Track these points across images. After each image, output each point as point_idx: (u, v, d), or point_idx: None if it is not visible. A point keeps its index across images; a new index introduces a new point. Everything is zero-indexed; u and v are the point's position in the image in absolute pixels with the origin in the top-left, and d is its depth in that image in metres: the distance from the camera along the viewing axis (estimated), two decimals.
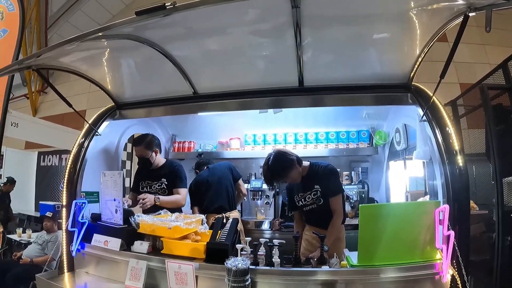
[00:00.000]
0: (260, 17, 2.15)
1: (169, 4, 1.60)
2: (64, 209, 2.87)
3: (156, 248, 2.52)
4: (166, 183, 3.36)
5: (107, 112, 3.27)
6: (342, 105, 3.01)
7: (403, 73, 2.56)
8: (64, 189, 2.93)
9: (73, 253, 2.71)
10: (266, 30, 2.30)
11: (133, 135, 3.87)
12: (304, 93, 2.79)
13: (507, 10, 1.58)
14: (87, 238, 2.72)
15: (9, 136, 4.72)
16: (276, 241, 2.26)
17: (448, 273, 1.92)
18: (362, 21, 2.13)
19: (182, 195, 3.39)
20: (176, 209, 3.17)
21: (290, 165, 2.84)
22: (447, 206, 1.93)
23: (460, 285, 1.92)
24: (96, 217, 2.86)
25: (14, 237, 5.95)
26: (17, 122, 4.81)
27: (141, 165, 3.48)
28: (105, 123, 3.21)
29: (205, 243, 2.31)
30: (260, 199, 4.78)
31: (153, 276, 2.32)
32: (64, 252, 2.79)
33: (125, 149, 4.50)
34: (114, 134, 3.56)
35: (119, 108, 3.29)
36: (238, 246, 2.23)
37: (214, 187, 3.92)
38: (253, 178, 4.88)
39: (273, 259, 2.21)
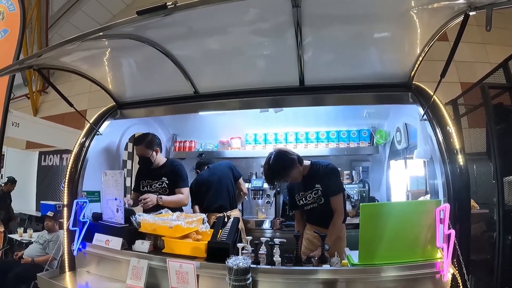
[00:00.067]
0: (260, 17, 2.15)
1: (170, 3, 1.60)
2: (65, 209, 2.87)
3: (157, 247, 2.53)
4: (167, 182, 3.36)
5: (108, 111, 3.27)
6: (342, 104, 3.01)
7: (403, 72, 2.56)
8: (65, 189, 2.93)
9: (74, 253, 2.72)
10: (266, 30, 2.30)
11: (134, 135, 3.87)
12: (304, 92, 2.79)
13: (508, 9, 1.57)
14: (88, 238, 2.72)
15: (10, 136, 4.72)
16: (277, 240, 2.27)
17: (448, 272, 1.92)
18: (362, 20, 2.13)
19: (185, 194, 3.40)
20: (177, 208, 3.18)
21: (291, 164, 2.85)
22: (447, 205, 1.93)
23: (460, 284, 1.92)
24: (97, 217, 2.87)
25: (15, 236, 5.95)
26: (18, 122, 4.81)
27: (141, 165, 3.48)
28: (106, 123, 3.22)
29: (206, 242, 2.32)
30: (261, 199, 4.78)
31: (154, 275, 2.32)
32: (65, 252, 2.79)
33: (126, 148, 4.50)
34: (115, 133, 3.57)
35: (120, 108, 3.30)
36: (239, 245, 2.23)
37: (214, 187, 3.93)
38: (254, 177, 4.88)
39: (274, 258, 2.21)
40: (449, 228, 1.90)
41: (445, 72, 2.06)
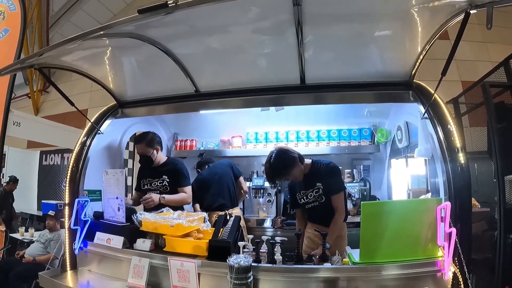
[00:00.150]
0: (261, 15, 2.15)
1: (171, 2, 1.61)
2: (66, 208, 2.87)
3: (159, 245, 2.54)
4: (168, 180, 3.37)
5: (109, 110, 3.28)
6: (343, 102, 3.00)
7: (404, 70, 2.56)
8: (67, 188, 2.93)
9: (76, 251, 2.73)
10: (267, 28, 2.30)
11: (135, 133, 3.88)
12: (305, 91, 2.79)
13: (509, 7, 1.57)
14: (89, 236, 2.73)
15: (11, 136, 4.72)
16: (278, 239, 2.27)
17: (449, 270, 1.92)
18: (363, 18, 2.13)
19: (188, 193, 3.41)
20: (178, 207, 3.18)
21: (292, 163, 2.84)
22: (448, 204, 1.93)
23: (461, 283, 1.92)
24: (98, 215, 2.88)
25: (16, 236, 5.96)
26: (19, 121, 4.81)
27: (142, 163, 3.49)
28: (107, 122, 3.22)
29: (208, 240, 2.32)
30: (262, 197, 4.78)
31: (155, 273, 2.33)
32: (67, 250, 2.80)
33: (127, 147, 4.52)
34: (116, 132, 3.57)
35: (121, 107, 3.30)
36: (240, 244, 2.23)
37: (215, 185, 3.94)
38: (255, 176, 4.89)
39: (275, 257, 2.21)
40: (450, 227, 1.90)
41: (446, 70, 2.06)
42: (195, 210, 3.89)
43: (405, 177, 3.92)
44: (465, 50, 6.22)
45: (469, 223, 2.10)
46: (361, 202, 2.15)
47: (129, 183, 5.23)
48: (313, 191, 2.99)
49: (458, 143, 2.16)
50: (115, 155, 3.57)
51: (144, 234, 2.57)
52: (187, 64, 2.75)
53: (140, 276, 2.30)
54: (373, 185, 4.51)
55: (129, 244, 2.56)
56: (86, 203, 2.80)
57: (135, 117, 3.48)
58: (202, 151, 4.83)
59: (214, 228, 2.48)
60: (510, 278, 3.09)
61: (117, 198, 2.72)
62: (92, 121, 3.15)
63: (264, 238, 2.32)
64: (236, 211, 3.94)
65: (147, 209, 3.09)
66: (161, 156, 3.49)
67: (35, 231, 5.98)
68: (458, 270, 1.93)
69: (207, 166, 4.25)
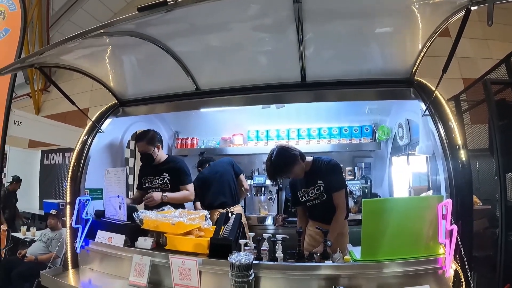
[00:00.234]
0: (261, 12, 2.15)
1: (170, 0, 1.60)
2: (68, 206, 2.88)
3: (160, 244, 2.54)
4: (169, 178, 3.37)
5: (110, 109, 3.28)
6: (344, 100, 3.01)
7: (405, 68, 2.55)
8: (68, 186, 2.94)
9: (77, 250, 2.73)
10: (268, 25, 2.30)
11: (136, 132, 3.88)
12: (306, 88, 2.79)
13: (509, 4, 1.57)
14: (91, 235, 2.73)
15: (13, 135, 4.73)
16: (279, 236, 2.28)
17: (451, 268, 1.91)
18: (363, 15, 2.13)
19: (190, 191, 3.42)
20: (179, 205, 3.18)
21: (293, 161, 2.84)
22: (450, 201, 1.92)
23: (463, 280, 1.91)
24: (100, 214, 2.88)
25: (18, 235, 5.98)
26: (20, 121, 4.83)
27: (143, 161, 3.50)
28: (108, 120, 3.23)
29: (209, 238, 2.32)
30: (264, 195, 4.79)
31: (157, 272, 2.33)
32: (68, 249, 2.80)
33: (128, 146, 4.52)
34: (117, 131, 3.57)
35: (121, 105, 3.30)
36: (242, 241, 2.23)
37: (216, 184, 3.95)
38: (256, 174, 4.89)
39: (276, 254, 2.22)
40: (451, 224, 1.89)
41: (447, 67, 2.05)
42: (196, 209, 3.90)
43: (406, 174, 3.91)
44: (466, 47, 6.21)
45: (471, 221, 2.09)
46: (362, 200, 2.15)
47: (130, 182, 5.24)
48: (314, 189, 2.99)
49: (459, 140, 2.15)
50: (116, 154, 3.58)
51: (146, 233, 2.57)
52: (188, 62, 2.74)
53: (142, 274, 2.30)
54: (374, 182, 4.50)
55: (130, 242, 2.56)
56: (87, 201, 2.80)
57: (136, 115, 3.48)
58: (203, 150, 4.83)
59: (215, 226, 2.49)
60: None
61: (118, 196, 2.72)
62: (93, 120, 3.15)
63: (266, 236, 2.32)
64: (238, 209, 3.95)
65: (148, 207, 3.09)
66: (162, 154, 3.49)
67: (37, 230, 5.99)
68: (459, 267, 1.93)
69: (208, 165, 4.26)
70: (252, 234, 2.40)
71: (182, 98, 3.12)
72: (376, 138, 4.42)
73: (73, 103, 2.87)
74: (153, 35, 2.36)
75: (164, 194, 3.22)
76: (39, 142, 7.50)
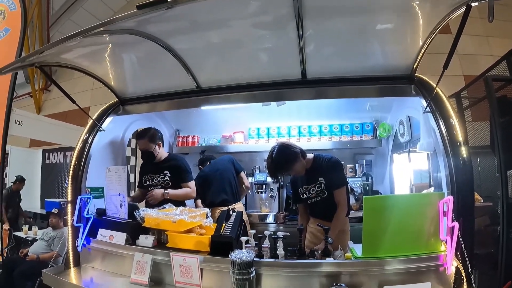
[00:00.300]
0: (261, 9, 2.15)
1: None
2: (69, 205, 2.88)
3: (161, 242, 2.54)
4: (170, 175, 3.38)
5: (110, 107, 3.28)
6: (345, 97, 3.00)
7: (406, 64, 2.54)
8: (69, 185, 2.94)
9: (79, 248, 2.73)
10: (268, 22, 2.29)
11: (137, 130, 3.89)
12: (307, 86, 2.78)
13: (509, 0, 1.56)
14: (92, 233, 2.73)
15: (14, 134, 4.75)
16: (280, 234, 2.27)
17: (452, 265, 1.91)
18: (364, 12, 2.12)
19: (192, 188, 3.43)
20: (180, 202, 3.19)
21: (294, 158, 2.84)
22: (451, 198, 1.92)
23: (464, 277, 1.91)
24: (101, 212, 2.88)
25: (20, 234, 5.99)
26: (21, 120, 4.83)
27: (144, 159, 3.50)
28: (108, 119, 3.22)
29: (210, 236, 2.32)
30: (265, 193, 4.80)
31: (158, 269, 2.33)
32: (70, 248, 2.80)
33: (129, 144, 4.52)
34: (118, 129, 3.57)
35: (122, 104, 3.31)
36: (243, 239, 2.24)
37: (217, 181, 3.95)
38: (257, 171, 4.90)
39: (277, 252, 2.22)
40: (452, 221, 1.89)
41: (448, 63, 2.04)
42: (197, 206, 3.90)
43: (408, 171, 3.91)
44: (467, 44, 6.20)
45: (472, 218, 2.09)
46: (364, 197, 2.15)
47: (131, 180, 5.25)
48: (315, 186, 2.99)
49: (460, 137, 2.15)
50: (117, 152, 3.58)
51: (147, 231, 2.57)
52: (188, 60, 2.74)
53: (143, 272, 2.31)
54: (375, 179, 4.51)
55: (131, 240, 2.56)
56: (88, 200, 2.80)
57: (137, 114, 3.48)
58: (204, 147, 4.84)
59: (216, 224, 2.49)
60: None
61: (119, 194, 2.73)
62: (93, 118, 3.15)
63: (267, 233, 2.32)
64: (239, 206, 3.95)
65: (150, 205, 3.10)
66: (162, 152, 3.49)
67: (38, 229, 6.00)
68: (460, 264, 1.92)
69: (208, 163, 4.26)
70: (253, 231, 2.40)
71: (182, 96, 3.11)
72: (377, 135, 4.42)
73: (73, 102, 2.87)
74: (153, 33, 2.35)
75: (166, 191, 3.22)
76: (40, 141, 7.50)
